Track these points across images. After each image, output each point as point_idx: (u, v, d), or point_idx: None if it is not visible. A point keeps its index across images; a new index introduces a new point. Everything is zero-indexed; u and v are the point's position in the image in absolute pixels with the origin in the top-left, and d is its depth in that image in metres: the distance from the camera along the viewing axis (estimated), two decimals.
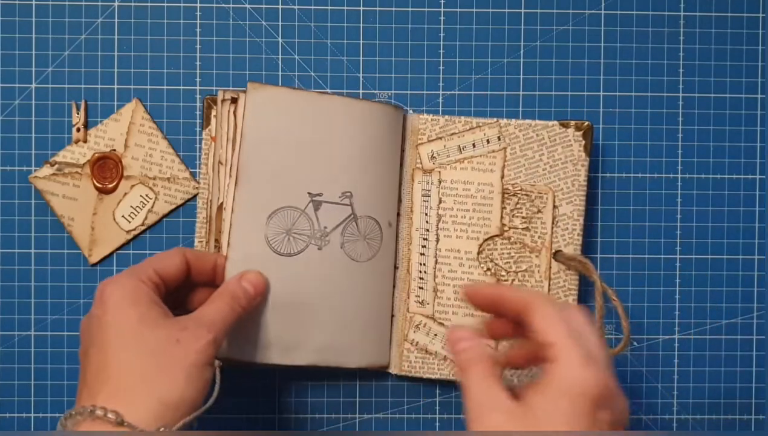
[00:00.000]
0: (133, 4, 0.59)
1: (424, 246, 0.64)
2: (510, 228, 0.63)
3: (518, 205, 0.63)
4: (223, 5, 0.60)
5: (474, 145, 0.64)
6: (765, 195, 0.59)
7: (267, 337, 0.59)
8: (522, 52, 0.62)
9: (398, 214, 0.65)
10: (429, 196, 0.64)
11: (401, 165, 0.65)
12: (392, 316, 0.65)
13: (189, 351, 0.46)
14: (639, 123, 0.62)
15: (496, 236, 0.63)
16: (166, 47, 0.61)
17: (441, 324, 0.64)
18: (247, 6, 0.60)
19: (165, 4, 0.59)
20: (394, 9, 0.60)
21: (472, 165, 0.64)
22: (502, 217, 0.63)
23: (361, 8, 0.60)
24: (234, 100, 0.59)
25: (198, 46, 0.62)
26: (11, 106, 0.59)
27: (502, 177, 0.63)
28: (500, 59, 0.64)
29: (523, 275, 0.63)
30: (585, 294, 0.63)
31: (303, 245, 0.60)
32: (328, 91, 0.63)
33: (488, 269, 0.63)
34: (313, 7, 0.61)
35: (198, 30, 0.60)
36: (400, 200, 0.65)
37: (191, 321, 0.49)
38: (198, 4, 0.60)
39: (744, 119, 0.57)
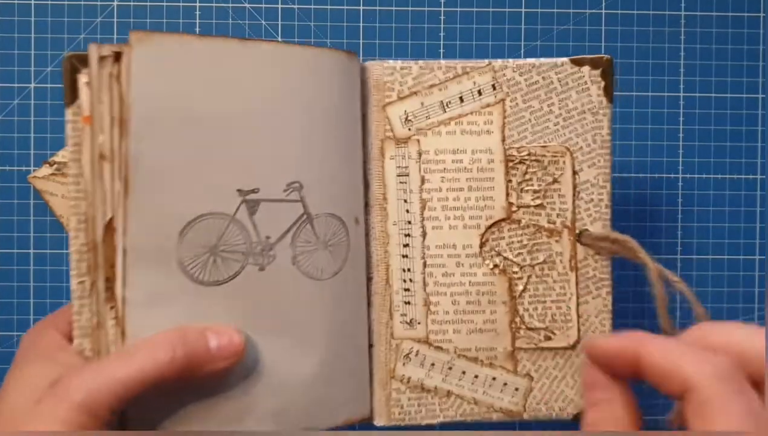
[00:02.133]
0: (132, 3, 0.59)
1: (406, 245, 0.46)
2: (519, 207, 0.46)
3: (527, 176, 0.46)
4: (223, 4, 0.60)
5: (462, 100, 0.46)
6: (766, 195, 0.59)
7: (198, 406, 0.40)
8: (522, 51, 0.61)
9: (366, 205, 0.46)
10: (407, 175, 0.46)
11: (364, 136, 0.46)
12: (370, 346, 0.47)
13: (46, 419, 0.34)
14: (640, 123, 0.61)
15: (503, 220, 0.46)
16: None
17: (439, 349, 0.46)
18: (247, 5, 0.60)
19: (164, 4, 0.59)
20: (394, 8, 0.60)
21: (462, 126, 0.46)
22: (508, 193, 0.46)
23: (361, 8, 0.60)
24: (117, 58, 0.38)
25: None
26: (10, 106, 0.60)
27: (503, 139, 0.46)
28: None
29: (542, 268, 0.46)
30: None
31: (237, 266, 0.41)
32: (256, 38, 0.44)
33: (495, 266, 0.46)
34: (312, 7, 0.60)
35: (197, 30, 0.60)
36: (367, 186, 0.46)
37: (69, 379, 0.35)
38: (197, 4, 0.60)
39: (745, 119, 0.56)
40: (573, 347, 0.47)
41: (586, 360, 0.34)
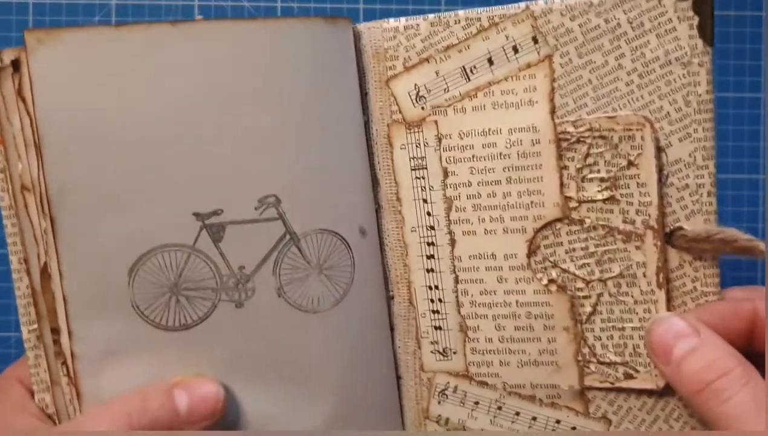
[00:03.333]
0: (130, 3, 0.54)
1: (430, 257, 0.36)
2: (581, 203, 0.34)
3: (590, 160, 0.33)
4: (222, 3, 0.54)
5: (491, 62, 0.34)
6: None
7: None
8: None
9: (378, 208, 0.37)
10: (424, 168, 0.35)
11: (366, 122, 0.36)
12: (398, 378, 0.38)
13: None
14: None
15: (559, 220, 0.34)
16: None
17: (484, 384, 0.36)
18: (246, 4, 0.53)
19: (162, 3, 0.53)
20: (394, 7, 0.54)
21: (493, 98, 0.34)
22: (562, 184, 0.34)
23: (361, 6, 0.54)
24: (16, 67, 0.31)
25: None
26: None
27: (553, 111, 0.34)
28: None
29: (617, 284, 0.34)
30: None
31: (207, 304, 0.34)
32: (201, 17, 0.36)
33: (551, 281, 0.35)
34: (312, 5, 0.53)
35: None
36: (375, 183, 0.36)
37: None
38: (196, 3, 0.54)
39: (747, 118, 0.53)
40: (663, 390, 0.34)
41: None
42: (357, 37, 0.35)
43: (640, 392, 0.35)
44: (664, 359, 0.32)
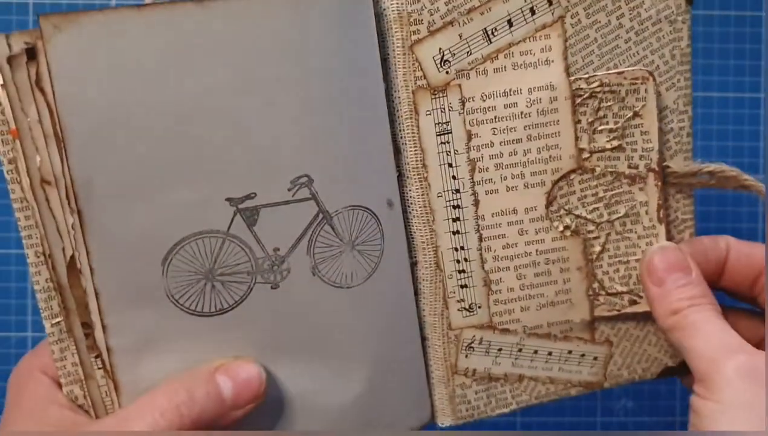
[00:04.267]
0: (130, 2, 0.53)
1: (456, 219, 0.37)
2: (592, 153, 0.37)
3: (600, 113, 0.36)
4: None
5: (511, 23, 0.35)
6: None
7: None
8: None
9: (400, 176, 0.36)
10: (449, 133, 0.36)
11: (388, 90, 0.35)
12: (424, 340, 0.38)
13: None
14: None
15: (573, 170, 0.37)
16: None
17: (506, 331, 0.39)
18: None
19: (162, 2, 0.49)
20: None
21: (513, 59, 0.35)
22: (577, 137, 0.37)
23: None
24: (32, 54, 0.28)
25: None
26: None
27: (567, 70, 0.36)
28: None
29: (623, 223, 0.38)
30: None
31: (243, 288, 0.33)
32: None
33: (566, 228, 0.37)
34: None
35: None
36: (398, 151, 0.36)
37: None
38: None
39: (747, 119, 0.54)
40: None
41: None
42: (376, 2, 0.34)
43: (635, 313, 0.40)
44: (657, 282, 0.37)
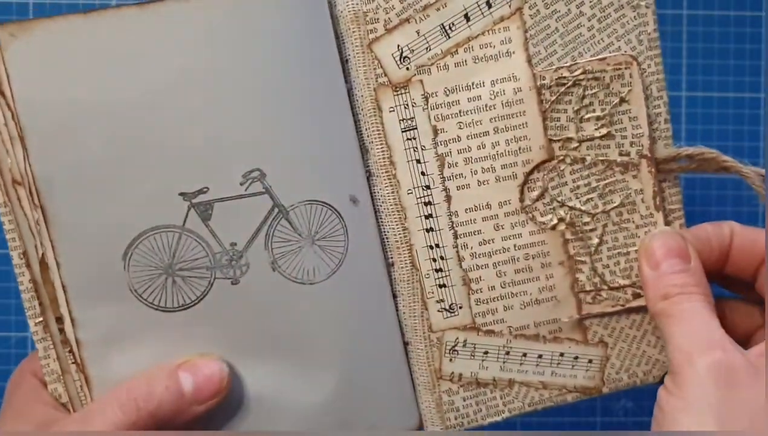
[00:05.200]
0: (130, 2, 0.48)
1: (429, 216, 0.36)
2: (581, 142, 0.36)
3: (586, 101, 0.36)
4: None
5: (468, 18, 0.36)
6: None
7: None
8: None
9: (369, 175, 0.36)
10: (414, 128, 0.36)
11: (349, 89, 0.36)
12: (406, 344, 0.38)
13: None
14: None
15: (545, 161, 0.36)
16: None
17: (491, 333, 0.37)
18: None
19: None
20: None
21: (473, 53, 0.36)
22: (546, 127, 0.36)
23: None
24: None
25: None
26: None
27: (529, 60, 0.36)
28: None
29: (619, 213, 0.37)
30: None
31: (203, 283, 0.34)
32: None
33: (560, 220, 0.37)
34: None
35: None
36: (365, 151, 0.36)
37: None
38: None
39: (747, 119, 0.54)
40: None
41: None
42: (332, 5, 0.35)
43: (629, 312, 0.38)
44: (654, 265, 0.35)
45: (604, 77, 0.36)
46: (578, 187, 0.36)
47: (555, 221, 0.36)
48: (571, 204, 0.36)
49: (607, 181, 0.37)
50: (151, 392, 0.31)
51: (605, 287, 0.37)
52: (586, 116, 0.36)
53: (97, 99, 0.31)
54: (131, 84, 0.31)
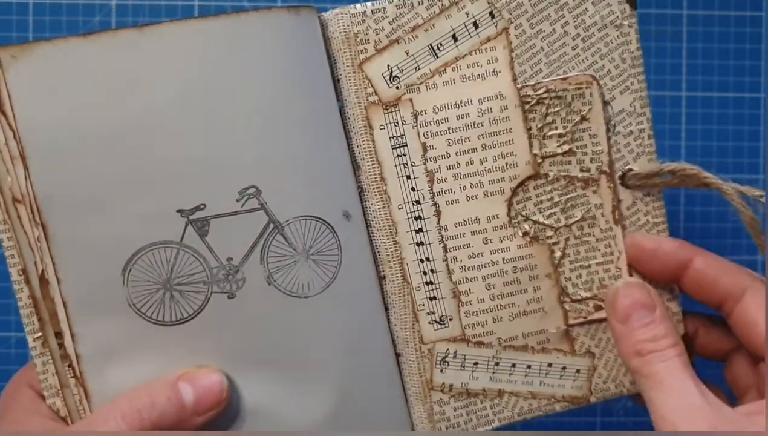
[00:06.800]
0: (130, 2, 0.53)
1: (419, 231, 0.37)
2: (544, 158, 0.37)
3: (549, 119, 0.37)
4: (222, 3, 0.54)
5: (455, 38, 0.37)
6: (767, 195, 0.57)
7: None
8: None
9: (361, 191, 0.37)
10: (404, 145, 0.37)
11: (342, 107, 0.37)
12: (397, 356, 0.38)
13: None
14: None
15: (531, 177, 0.37)
16: None
17: (480, 344, 0.38)
18: (246, 4, 0.54)
19: (162, 3, 0.53)
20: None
21: (461, 72, 0.37)
22: (531, 144, 0.37)
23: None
24: None
25: None
26: None
27: (515, 79, 0.37)
28: None
29: (580, 227, 0.38)
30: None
31: (200, 297, 0.34)
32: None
33: (525, 234, 0.38)
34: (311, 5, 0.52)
35: None
36: (356, 167, 0.37)
37: None
38: (196, 3, 0.54)
39: (747, 119, 0.54)
40: None
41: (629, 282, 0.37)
42: (324, 26, 0.36)
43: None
44: (622, 319, 0.36)
45: (566, 96, 0.37)
46: (541, 201, 0.38)
47: (520, 234, 0.37)
48: (534, 218, 0.38)
49: (568, 196, 0.38)
50: (153, 403, 0.32)
51: (568, 300, 0.38)
52: (549, 133, 0.37)
53: (96, 119, 0.32)
54: (130, 104, 0.32)
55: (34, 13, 0.52)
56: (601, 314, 0.38)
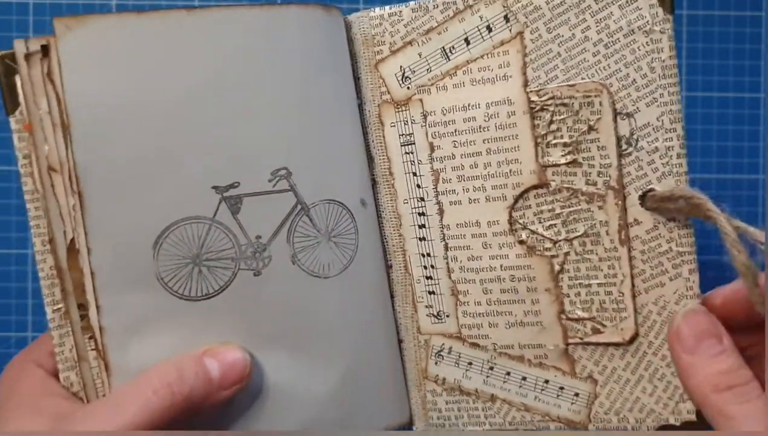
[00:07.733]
0: (130, 3, 0.54)
1: (422, 226, 0.39)
2: (546, 167, 0.36)
3: (553, 126, 0.36)
4: (222, 4, 0.54)
5: (468, 42, 0.37)
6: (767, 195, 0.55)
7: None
8: None
9: (374, 182, 0.40)
10: (412, 144, 0.38)
11: (360, 104, 0.39)
12: (400, 342, 0.41)
13: None
14: None
15: (535, 186, 0.36)
16: None
17: (475, 345, 0.39)
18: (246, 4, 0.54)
19: (162, 3, 0.54)
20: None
21: (471, 75, 0.37)
22: (537, 153, 0.36)
23: (360, 7, 0.54)
24: (45, 51, 0.34)
25: None
26: None
27: (526, 84, 0.36)
28: None
29: (582, 243, 0.36)
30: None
31: (228, 273, 0.35)
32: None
33: (521, 242, 0.37)
34: None
35: None
36: (371, 159, 0.40)
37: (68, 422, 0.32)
38: (196, 3, 0.55)
39: (747, 119, 0.53)
40: (629, 342, 0.36)
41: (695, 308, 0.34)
42: (348, 27, 0.39)
43: (624, 353, 0.36)
44: (689, 350, 0.33)
45: (572, 103, 0.35)
46: (541, 211, 0.36)
47: (518, 242, 0.36)
48: (532, 227, 0.36)
49: (571, 209, 0.36)
50: (182, 378, 0.32)
51: (563, 317, 0.36)
52: (553, 142, 0.35)
53: (140, 94, 0.33)
54: (173, 82, 0.33)
55: (34, 13, 0.52)
56: (599, 338, 0.36)
